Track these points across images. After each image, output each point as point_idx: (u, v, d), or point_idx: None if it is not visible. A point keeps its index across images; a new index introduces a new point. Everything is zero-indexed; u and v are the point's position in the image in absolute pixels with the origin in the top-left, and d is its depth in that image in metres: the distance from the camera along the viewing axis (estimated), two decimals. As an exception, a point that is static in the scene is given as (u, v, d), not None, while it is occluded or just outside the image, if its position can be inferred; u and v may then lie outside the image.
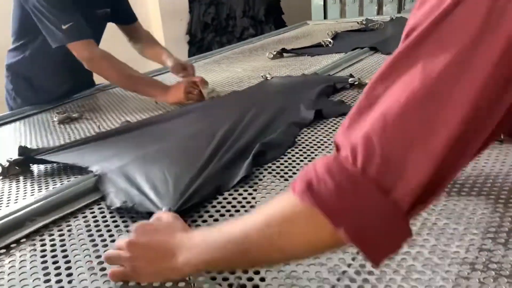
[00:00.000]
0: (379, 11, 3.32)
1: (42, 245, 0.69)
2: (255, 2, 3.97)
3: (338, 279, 0.56)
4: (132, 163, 0.89)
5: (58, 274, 0.61)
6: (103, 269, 0.61)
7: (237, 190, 0.81)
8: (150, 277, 0.57)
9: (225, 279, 0.58)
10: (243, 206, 0.76)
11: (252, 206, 0.76)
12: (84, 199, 0.81)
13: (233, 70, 1.88)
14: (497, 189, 0.74)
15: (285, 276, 0.58)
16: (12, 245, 0.69)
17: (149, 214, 0.70)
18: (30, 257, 0.66)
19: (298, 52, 2.01)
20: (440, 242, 0.62)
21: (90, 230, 0.72)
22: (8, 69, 1.54)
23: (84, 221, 0.75)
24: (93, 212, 0.77)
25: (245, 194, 0.79)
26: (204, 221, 0.72)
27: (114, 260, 0.59)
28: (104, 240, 0.69)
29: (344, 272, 0.58)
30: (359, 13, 3.38)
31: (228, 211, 0.74)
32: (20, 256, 0.67)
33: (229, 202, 0.77)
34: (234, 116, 1.13)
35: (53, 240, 0.70)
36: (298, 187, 0.44)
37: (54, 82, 1.56)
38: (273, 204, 0.48)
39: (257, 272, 0.59)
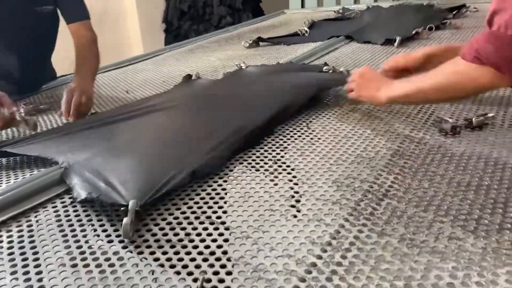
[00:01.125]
0: (356, 0, 3.30)
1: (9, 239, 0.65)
2: (232, -10, 3.91)
3: (307, 271, 0.55)
4: (100, 154, 0.86)
5: (27, 273, 0.58)
6: (74, 265, 0.59)
7: (207, 182, 0.79)
8: (365, 98, 1.00)
9: (189, 273, 0.56)
10: (212, 198, 0.73)
11: (221, 198, 0.73)
12: (48, 192, 0.77)
13: (207, 59, 1.84)
14: (467, 176, 0.74)
15: (252, 269, 0.56)
16: (-33, 243, 0.66)
17: (115, 206, 0.67)
18: (-14, 255, 0.63)
19: (274, 41, 1.99)
20: (409, 231, 0.61)
21: (52, 225, 0.69)
22: None
23: (46, 217, 0.71)
24: (56, 207, 0.74)
25: (214, 186, 0.77)
26: (171, 214, 0.69)
27: (351, 81, 1.04)
28: (74, 233, 0.66)
29: (313, 264, 0.56)
30: (337, 2, 3.36)
31: (196, 203, 0.72)
32: (-25, 254, 0.63)
33: (198, 194, 0.75)
34: (209, 104, 1.10)
35: (10, 237, 0.67)
36: (468, 56, 0.77)
37: None
38: (452, 67, 0.82)
39: (223, 266, 0.57)
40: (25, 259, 0.61)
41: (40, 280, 0.57)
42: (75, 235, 0.66)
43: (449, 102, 1.05)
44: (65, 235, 0.66)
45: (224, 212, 0.70)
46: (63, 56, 1.74)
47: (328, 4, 3.35)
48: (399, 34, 1.67)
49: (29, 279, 0.57)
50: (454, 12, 2.10)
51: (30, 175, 0.86)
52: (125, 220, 0.62)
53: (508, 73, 0.73)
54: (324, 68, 1.33)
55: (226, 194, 0.75)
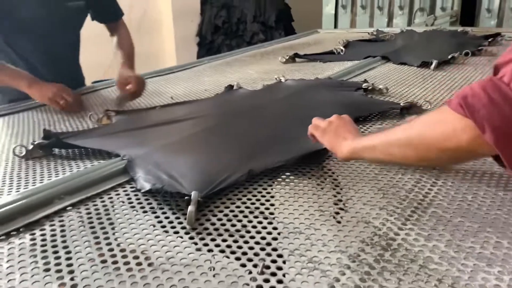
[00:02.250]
0: (389, 23, 3.36)
1: (70, 220, 0.71)
2: (266, 8, 4.02)
3: (359, 266, 0.59)
4: (160, 150, 0.93)
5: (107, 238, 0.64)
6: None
7: (257, 181, 0.84)
8: (327, 144, 0.84)
9: (249, 260, 0.60)
10: (264, 196, 0.78)
11: (272, 197, 0.78)
12: (111, 181, 0.84)
13: (245, 71, 1.91)
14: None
15: (307, 261, 0.60)
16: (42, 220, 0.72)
17: (175, 197, 0.73)
18: (60, 231, 0.69)
19: (311, 57, 2.05)
20: (455, 237, 0.65)
21: (115, 210, 0.74)
22: None
23: (110, 202, 0.77)
24: (118, 194, 0.80)
25: (265, 185, 0.82)
26: (227, 207, 0.74)
27: (314, 126, 0.88)
28: (138, 218, 0.71)
29: (365, 261, 0.60)
30: (369, 24, 3.43)
31: (249, 199, 0.77)
32: (50, 230, 0.69)
33: (250, 192, 0.80)
34: (261, 108, 1.16)
35: (80, 217, 0.73)
36: (454, 102, 0.58)
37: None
38: (430, 116, 0.66)
39: (280, 256, 0.61)
40: (101, 230, 0.67)
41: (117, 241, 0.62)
42: (139, 219, 0.71)
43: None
44: (124, 221, 0.72)
45: (276, 209, 0.74)
46: (95, 63, 1.84)
47: (361, 26, 3.42)
48: (435, 58, 1.71)
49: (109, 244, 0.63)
50: (489, 40, 2.13)
51: (91, 165, 0.92)
52: (190, 207, 0.68)
53: (489, 133, 0.54)
54: (364, 85, 1.37)
55: (276, 193, 0.80)
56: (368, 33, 2.64)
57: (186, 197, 0.71)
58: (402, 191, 0.79)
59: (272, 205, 0.76)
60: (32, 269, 0.60)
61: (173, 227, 0.69)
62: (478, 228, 0.67)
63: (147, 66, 2.31)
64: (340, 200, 0.77)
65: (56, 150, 1.02)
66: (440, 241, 0.64)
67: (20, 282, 0.58)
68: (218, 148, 0.97)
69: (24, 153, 0.99)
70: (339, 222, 0.70)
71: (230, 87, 1.50)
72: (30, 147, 0.99)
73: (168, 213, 0.73)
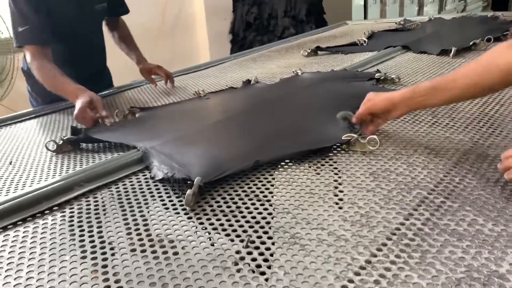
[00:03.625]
0: (420, 11, 3.31)
1: (88, 205, 0.81)
2: (296, 2, 4.05)
3: (337, 242, 0.64)
4: (173, 141, 1.02)
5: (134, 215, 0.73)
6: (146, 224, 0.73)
7: (257, 168, 0.90)
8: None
9: (237, 236, 0.67)
10: (261, 181, 0.85)
11: (269, 182, 0.84)
12: (127, 169, 0.94)
13: (268, 66, 1.97)
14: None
15: (289, 237, 0.66)
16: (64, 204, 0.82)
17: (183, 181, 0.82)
18: (77, 214, 0.79)
19: (332, 50, 2.07)
20: (434, 216, 0.68)
21: (129, 194, 0.84)
22: (24, 73, 1.70)
23: (124, 188, 0.87)
24: (132, 181, 0.89)
25: (263, 172, 0.88)
26: (226, 191, 0.82)
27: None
28: (146, 202, 0.80)
29: (344, 237, 0.65)
30: (399, 13, 3.38)
31: (247, 185, 0.84)
32: (70, 213, 0.79)
33: (248, 177, 0.86)
34: (270, 105, 1.22)
35: (94, 202, 0.82)
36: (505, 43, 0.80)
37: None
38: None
39: (266, 232, 0.68)
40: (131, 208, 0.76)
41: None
42: (147, 203, 0.80)
43: (477, 95, 1.01)
44: (134, 205, 0.80)
45: (271, 192, 0.81)
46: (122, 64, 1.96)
47: (391, 16, 3.38)
48: (456, 45, 1.70)
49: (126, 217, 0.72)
50: (518, 24, 2.08)
51: (111, 156, 1.02)
52: (188, 191, 0.75)
53: None
54: (376, 75, 1.40)
55: (273, 179, 0.86)
56: (396, 23, 2.62)
57: (189, 182, 0.79)
58: (392, 174, 0.83)
59: (267, 189, 0.82)
60: (51, 244, 0.70)
61: (175, 209, 0.77)
62: (457, 208, 0.70)
63: (182, 64, 2.41)
64: (338, 185, 0.82)
65: (83, 144, 1.13)
66: (418, 219, 0.68)
67: (40, 254, 0.68)
68: (228, 139, 1.05)
69: (55, 147, 1.10)
70: (325, 202, 0.75)
71: (247, 81, 1.56)
72: (60, 142, 1.10)
73: (172, 198, 0.81)
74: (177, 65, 2.04)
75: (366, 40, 2.15)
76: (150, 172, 0.91)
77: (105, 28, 1.81)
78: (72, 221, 0.76)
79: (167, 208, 0.78)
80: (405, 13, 3.30)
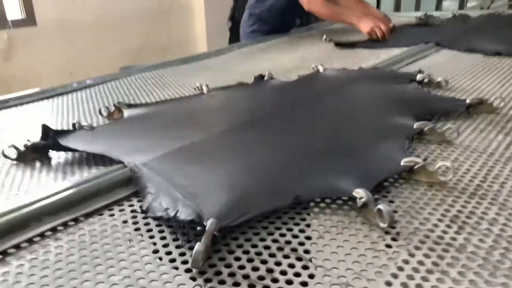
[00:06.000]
0: (438, 6, 3.07)
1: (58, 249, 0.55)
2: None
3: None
4: (172, 156, 0.75)
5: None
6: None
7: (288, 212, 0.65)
8: None
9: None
10: (297, 224, 0.60)
11: (308, 225, 0.60)
12: (106, 196, 0.67)
13: (280, 59, 1.72)
14: None
15: None
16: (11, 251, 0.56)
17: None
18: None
19: (351, 44, 1.83)
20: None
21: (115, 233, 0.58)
22: (252, 15, 2.34)
23: (103, 225, 0.61)
24: (113, 215, 0.64)
25: (298, 208, 0.64)
26: (248, 240, 0.57)
27: None
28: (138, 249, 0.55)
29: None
30: (415, 7, 3.14)
31: (278, 228, 0.59)
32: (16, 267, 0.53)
33: (279, 217, 0.62)
34: (300, 105, 0.98)
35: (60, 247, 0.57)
36: None
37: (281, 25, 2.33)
38: None
39: None
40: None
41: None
42: (133, 253, 0.54)
43: None
44: (114, 257, 0.55)
45: (313, 244, 0.56)
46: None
47: (405, 10, 3.14)
48: (506, 45, 1.47)
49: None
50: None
51: (88, 174, 0.76)
52: (197, 246, 0.50)
53: None
54: (418, 76, 1.16)
55: (313, 220, 0.61)
56: (416, 18, 2.38)
57: (199, 228, 0.54)
58: (483, 223, 0.59)
59: (308, 238, 0.57)
60: None
61: (175, 267, 0.52)
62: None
63: (178, 53, 2.16)
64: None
65: (53, 152, 0.87)
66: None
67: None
68: (250, 157, 0.76)
69: (16, 155, 0.84)
70: (397, 265, 0.51)
71: (260, 77, 1.31)
72: (23, 149, 0.84)
73: (171, 247, 0.56)
74: (174, 54, 1.79)
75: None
76: (141, 201, 0.66)
77: None
78: (20, 282, 0.51)
79: (163, 264, 0.52)
80: (421, 8, 3.06)
